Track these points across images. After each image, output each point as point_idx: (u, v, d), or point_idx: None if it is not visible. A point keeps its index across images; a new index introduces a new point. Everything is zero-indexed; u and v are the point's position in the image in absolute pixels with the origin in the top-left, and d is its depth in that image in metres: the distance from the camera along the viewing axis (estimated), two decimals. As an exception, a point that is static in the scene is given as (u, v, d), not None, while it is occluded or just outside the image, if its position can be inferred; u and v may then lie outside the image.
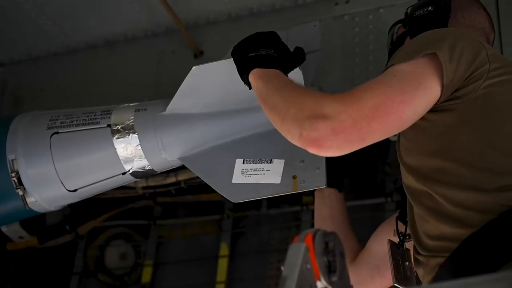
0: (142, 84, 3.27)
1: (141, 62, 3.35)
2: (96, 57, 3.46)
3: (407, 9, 2.24)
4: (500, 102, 1.74)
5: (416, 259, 1.85)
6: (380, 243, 2.25)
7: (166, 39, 3.34)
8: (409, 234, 2.09)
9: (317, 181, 2.15)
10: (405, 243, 2.14)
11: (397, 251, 2.12)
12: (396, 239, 2.16)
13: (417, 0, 2.25)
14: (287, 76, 1.93)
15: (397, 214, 2.21)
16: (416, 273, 1.92)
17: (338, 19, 3.03)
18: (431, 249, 1.77)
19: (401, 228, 2.15)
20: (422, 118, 1.75)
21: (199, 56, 3.22)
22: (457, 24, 2.05)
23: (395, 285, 2.10)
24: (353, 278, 2.30)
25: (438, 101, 1.72)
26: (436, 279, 1.74)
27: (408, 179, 1.84)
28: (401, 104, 1.64)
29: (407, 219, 1.97)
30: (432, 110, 1.74)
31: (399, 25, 2.28)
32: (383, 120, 1.62)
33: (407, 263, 2.10)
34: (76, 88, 3.40)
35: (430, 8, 2.12)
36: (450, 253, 1.69)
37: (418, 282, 1.92)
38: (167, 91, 3.09)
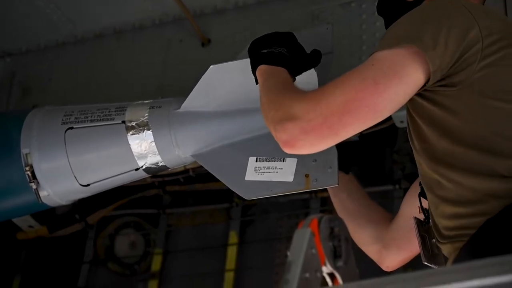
0: (150, 73, 3.27)
1: (148, 50, 3.35)
2: (103, 46, 3.46)
3: None
4: (499, 83, 1.70)
5: (438, 241, 1.84)
6: (413, 205, 2.17)
7: (173, 28, 3.34)
8: None
9: (329, 180, 2.16)
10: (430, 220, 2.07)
11: (422, 229, 2.09)
12: (422, 216, 2.11)
13: None
14: (300, 76, 1.95)
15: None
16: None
17: (345, 6, 3.02)
18: (448, 236, 1.76)
19: (425, 204, 2.06)
20: (422, 108, 1.75)
21: (207, 45, 3.21)
22: None
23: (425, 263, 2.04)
24: (390, 243, 2.29)
25: (425, 85, 1.69)
26: (456, 260, 1.72)
27: (420, 167, 1.84)
28: (373, 95, 1.63)
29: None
30: (429, 99, 1.73)
31: None
32: (355, 114, 1.63)
33: (434, 240, 2.03)
34: (84, 77, 3.41)
35: None
36: (469, 237, 1.67)
37: (445, 259, 1.89)
38: (174, 80, 3.11)
